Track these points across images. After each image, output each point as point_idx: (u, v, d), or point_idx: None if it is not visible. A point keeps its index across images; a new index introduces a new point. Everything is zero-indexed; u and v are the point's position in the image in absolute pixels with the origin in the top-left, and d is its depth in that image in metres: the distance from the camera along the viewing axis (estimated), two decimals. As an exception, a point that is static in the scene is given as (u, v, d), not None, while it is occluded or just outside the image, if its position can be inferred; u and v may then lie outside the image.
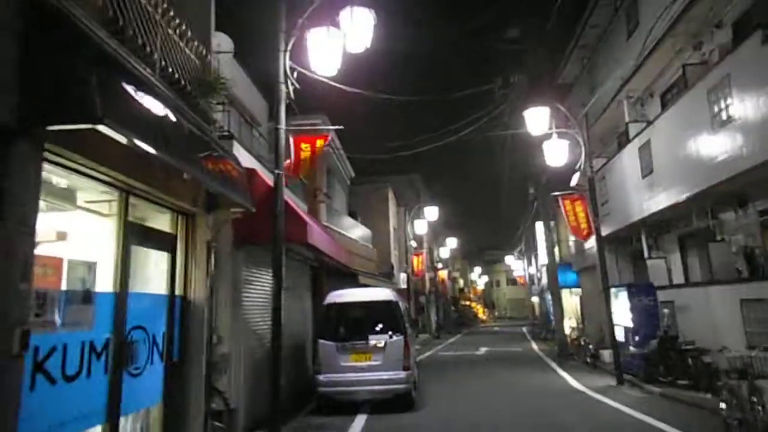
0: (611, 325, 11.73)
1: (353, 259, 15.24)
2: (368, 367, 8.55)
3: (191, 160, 4.54)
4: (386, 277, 22.43)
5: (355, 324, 9.04)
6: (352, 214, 20.49)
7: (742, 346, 8.26)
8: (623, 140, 14.09)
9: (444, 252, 34.69)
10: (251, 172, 7.69)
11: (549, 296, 28.58)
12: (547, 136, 12.46)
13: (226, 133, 7.80)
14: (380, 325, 9.00)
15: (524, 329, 40.35)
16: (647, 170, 11.81)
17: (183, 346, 5.47)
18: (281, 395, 6.90)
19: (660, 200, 11.09)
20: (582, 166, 12.13)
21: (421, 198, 25.61)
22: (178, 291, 5.49)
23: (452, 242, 35.57)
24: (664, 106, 12.43)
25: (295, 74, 7.44)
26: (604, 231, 14.59)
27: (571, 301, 23.32)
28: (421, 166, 44.94)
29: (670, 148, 10.61)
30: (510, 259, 48.51)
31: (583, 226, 11.78)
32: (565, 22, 17.43)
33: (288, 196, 8.74)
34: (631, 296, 11.92)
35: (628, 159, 12.98)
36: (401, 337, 8.74)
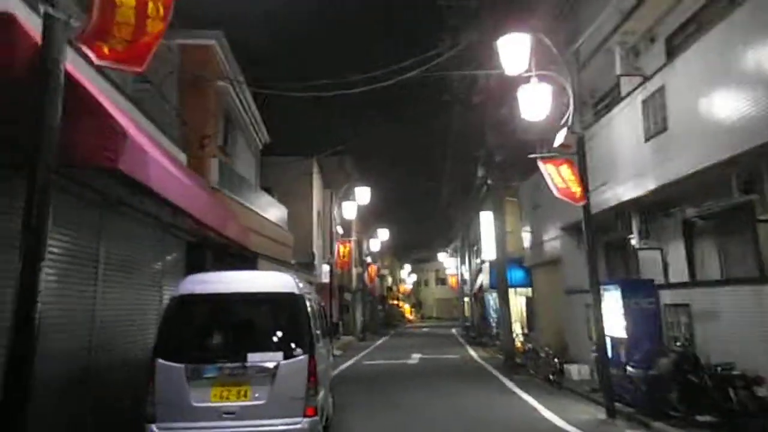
0: (599, 335, 8.61)
1: (255, 240, 11.34)
2: (243, 412, 4.80)
3: None
4: (306, 268, 18.61)
5: (224, 332, 5.27)
6: (267, 190, 16.52)
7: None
8: (612, 100, 11.14)
9: (374, 244, 31.25)
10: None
11: (489, 296, 25.86)
12: (524, 81, 9.23)
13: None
14: (270, 335, 5.31)
15: (454, 331, 37.76)
16: (656, 129, 8.82)
17: None
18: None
19: (677, 167, 8.09)
20: (570, 121, 8.96)
21: (351, 183, 22.02)
22: None
23: (384, 234, 32.18)
24: (670, 54, 9.53)
25: None
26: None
27: (515, 302, 20.50)
28: (354, 149, 41.34)
29: (702, 91, 7.60)
30: (443, 257, 45.89)
31: (575, 189, 8.66)
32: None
33: (159, 142, 4.84)
34: (625, 297, 8.91)
35: (623, 120, 9.99)
36: (304, 357, 5.04)
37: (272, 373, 4.93)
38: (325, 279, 19.96)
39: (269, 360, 4.96)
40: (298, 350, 5.05)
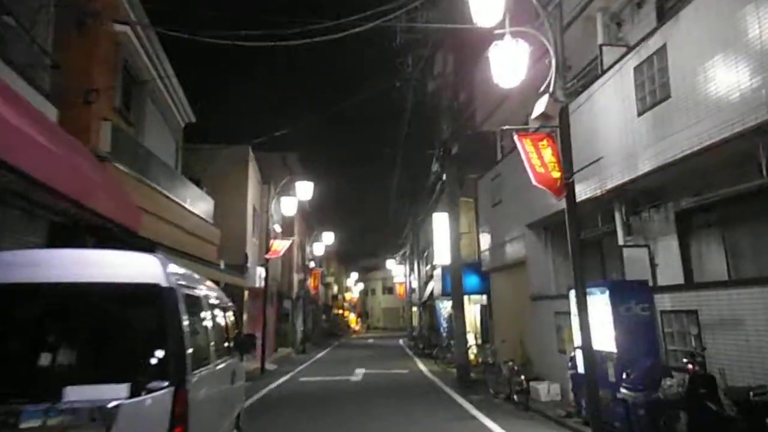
0: (587, 347, 6.91)
1: (161, 229, 9.09)
2: None
3: None
4: (237, 270, 16.27)
5: (29, 350, 3.15)
6: (195, 182, 14.18)
7: None
8: (590, 75, 9.67)
9: (318, 249, 29.04)
10: None
11: (440, 305, 24.22)
12: (497, 38, 7.53)
13: None
14: (109, 354, 3.24)
15: (401, 342, 35.99)
16: (653, 100, 7.32)
17: None
18: None
19: (683, 142, 6.58)
20: (551, 87, 7.31)
21: (292, 177, 19.83)
22: None
23: (329, 238, 29.99)
24: (661, 18, 8.12)
25: None
26: (555, 207, 10.05)
27: (469, 311, 18.88)
28: (299, 146, 39.25)
29: (720, 43, 6.10)
30: (391, 264, 44.08)
31: (556, 174, 7.00)
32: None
33: None
34: (615, 302, 7.29)
35: (606, 94, 8.48)
36: (167, 391, 3.00)
37: (108, 420, 2.87)
38: (260, 283, 17.67)
39: (103, 397, 2.89)
40: (158, 381, 3.00)
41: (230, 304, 5.58)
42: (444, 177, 16.75)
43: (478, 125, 15.57)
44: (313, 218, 34.23)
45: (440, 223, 20.93)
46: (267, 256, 17.25)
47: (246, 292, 17.93)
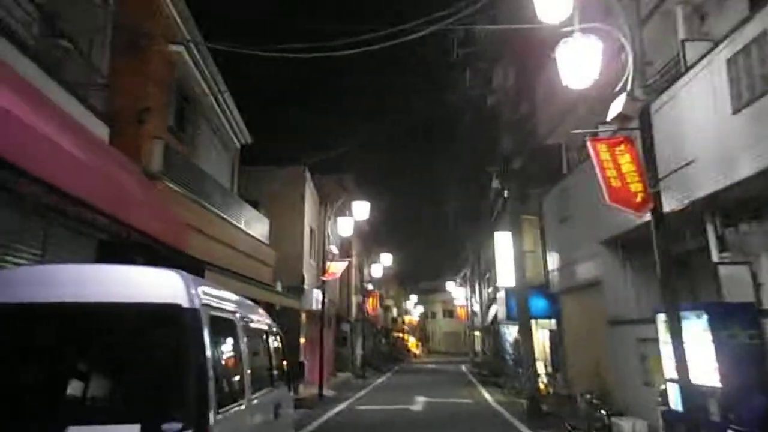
0: (685, 381, 5.93)
1: (214, 250, 8.87)
2: None
3: None
4: (294, 292, 16.02)
5: (31, 381, 2.75)
6: (252, 203, 14.12)
7: None
8: (673, 73, 8.72)
9: (376, 270, 28.56)
10: None
11: (505, 329, 23.03)
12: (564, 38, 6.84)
13: None
14: (119, 387, 2.79)
15: (463, 367, 34.68)
16: (752, 94, 6.36)
17: None
18: None
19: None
20: (629, 85, 6.51)
21: (349, 197, 19.60)
22: None
23: (387, 259, 29.50)
24: (755, 6, 7.15)
25: None
26: (633, 222, 9.10)
27: (537, 336, 17.70)
28: (356, 168, 39.14)
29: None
30: (451, 286, 42.95)
31: (635, 187, 6.16)
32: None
33: None
34: (715, 328, 6.27)
35: (692, 92, 7.54)
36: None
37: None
38: (316, 306, 17.32)
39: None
40: (174, 422, 2.51)
41: (275, 328, 5.11)
42: (506, 194, 15.92)
43: (541, 138, 14.71)
44: (371, 240, 33.95)
45: (502, 242, 19.89)
46: (323, 278, 16.91)
47: (303, 315, 17.64)
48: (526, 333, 13.93)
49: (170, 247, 6.43)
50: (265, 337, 4.56)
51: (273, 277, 14.00)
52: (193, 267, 7.23)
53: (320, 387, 16.03)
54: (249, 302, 4.69)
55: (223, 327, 3.23)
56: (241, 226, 11.26)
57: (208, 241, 8.76)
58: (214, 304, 3.19)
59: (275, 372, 4.72)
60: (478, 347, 36.39)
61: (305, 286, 17.24)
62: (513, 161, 14.63)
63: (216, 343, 3.02)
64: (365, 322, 28.90)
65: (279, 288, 14.86)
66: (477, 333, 36.70)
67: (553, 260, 14.27)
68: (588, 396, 9.56)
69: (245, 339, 3.63)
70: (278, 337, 5.21)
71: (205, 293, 3.14)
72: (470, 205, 29.99)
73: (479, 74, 15.39)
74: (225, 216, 10.00)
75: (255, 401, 3.66)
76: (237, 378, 3.32)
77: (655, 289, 10.31)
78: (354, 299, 27.68)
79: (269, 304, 13.22)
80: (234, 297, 4.08)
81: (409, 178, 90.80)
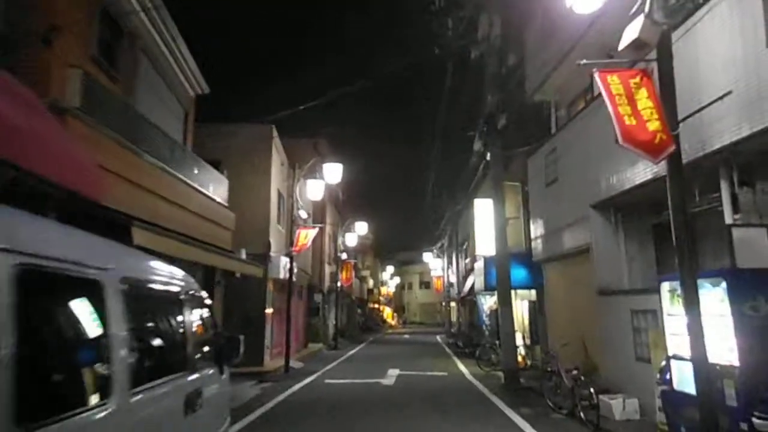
0: (700, 360, 5.00)
1: (140, 201, 7.60)
2: None
3: None
4: (259, 259, 14.82)
5: None
6: (215, 164, 12.75)
7: None
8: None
9: (351, 239, 27.47)
10: None
11: (482, 300, 22.30)
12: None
13: None
14: None
15: (439, 338, 34.20)
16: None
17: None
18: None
19: None
20: (647, 5, 5.38)
21: (319, 159, 18.26)
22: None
23: (362, 228, 28.39)
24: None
25: None
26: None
27: (516, 307, 16.93)
28: (329, 131, 37.48)
29: None
30: (429, 257, 42.22)
31: (653, 126, 5.10)
32: None
33: None
34: (736, 297, 5.32)
35: (718, 22, 6.44)
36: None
37: None
38: (283, 274, 16.17)
39: None
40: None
41: (197, 293, 3.95)
42: (488, 157, 14.82)
43: (528, 95, 13.58)
44: (346, 209, 32.75)
45: (482, 210, 19.03)
46: (294, 250, 15.69)
47: (270, 284, 16.49)
48: (506, 304, 13.05)
49: (74, 195, 5.16)
50: (176, 306, 3.40)
51: (235, 243, 12.78)
52: (116, 223, 5.98)
53: (286, 359, 15.02)
54: (153, 260, 3.53)
55: (67, 290, 2.08)
56: (194, 183, 9.96)
57: (146, 197, 7.50)
58: (54, 254, 2.02)
59: (195, 351, 3.58)
60: (453, 318, 35.91)
61: (272, 254, 16.04)
62: (497, 120, 13.51)
63: (45, 314, 1.89)
64: (339, 292, 27.94)
65: (243, 255, 13.65)
66: (453, 304, 36.18)
67: (536, 227, 13.34)
68: (575, 372, 8.70)
69: (125, 308, 2.47)
70: (203, 306, 4.06)
71: (35, 236, 1.98)
72: (449, 173, 29.00)
73: (463, 23, 14.09)
74: (170, 170, 8.69)
75: (141, 396, 2.53)
76: (99, 367, 2.18)
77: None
78: (327, 269, 26.62)
79: (228, 271, 12.03)
80: (118, 249, 2.90)
81: (387, 143, 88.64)
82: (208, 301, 4.21)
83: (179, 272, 3.80)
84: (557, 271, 12.39)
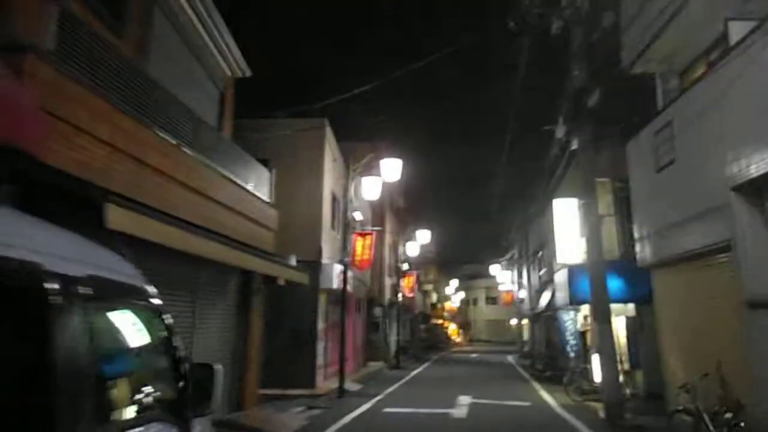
0: None
1: (148, 181, 6.00)
2: None
3: None
4: (310, 267, 13.11)
5: None
6: (264, 162, 11.24)
7: None
8: None
9: (412, 248, 25.41)
10: None
11: (565, 316, 19.55)
12: None
13: None
14: None
15: (510, 358, 31.40)
16: None
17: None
18: None
19: None
20: None
21: (377, 154, 16.45)
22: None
23: (424, 236, 26.27)
24: None
25: None
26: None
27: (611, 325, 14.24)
28: (386, 129, 35.66)
29: None
30: (496, 269, 39.37)
31: None
32: None
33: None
34: None
35: None
36: None
37: None
38: (336, 284, 14.38)
39: None
40: None
41: (153, 301, 2.15)
42: (573, 146, 12.47)
43: (626, 67, 11.18)
44: (407, 218, 30.83)
45: (564, 211, 16.50)
46: (352, 263, 13.88)
47: (323, 295, 14.77)
48: (604, 320, 10.62)
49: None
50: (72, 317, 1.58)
51: (284, 249, 11.16)
52: (92, 196, 4.34)
53: (341, 381, 13.16)
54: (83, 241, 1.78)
55: None
56: (226, 172, 8.36)
57: (154, 177, 5.90)
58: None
59: (126, 397, 1.75)
60: (526, 337, 32.96)
61: (325, 261, 14.34)
62: (587, 98, 11.19)
63: None
64: (401, 306, 25.91)
65: (293, 263, 11.96)
66: (525, 321, 33.25)
67: (642, 225, 10.84)
68: (727, 414, 6.24)
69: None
70: (157, 320, 2.23)
71: None
72: (520, 177, 26.51)
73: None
74: (192, 152, 7.09)
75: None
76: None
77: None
78: (388, 281, 24.71)
79: (269, 278, 10.34)
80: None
81: (452, 147, 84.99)
82: (163, 314, 2.35)
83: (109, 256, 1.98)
84: (674, 279, 9.83)
